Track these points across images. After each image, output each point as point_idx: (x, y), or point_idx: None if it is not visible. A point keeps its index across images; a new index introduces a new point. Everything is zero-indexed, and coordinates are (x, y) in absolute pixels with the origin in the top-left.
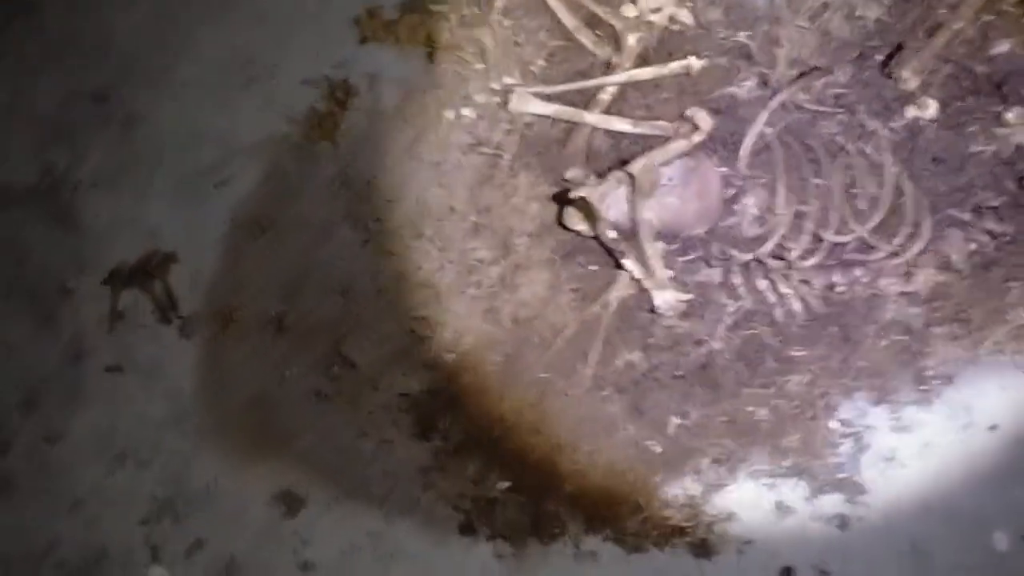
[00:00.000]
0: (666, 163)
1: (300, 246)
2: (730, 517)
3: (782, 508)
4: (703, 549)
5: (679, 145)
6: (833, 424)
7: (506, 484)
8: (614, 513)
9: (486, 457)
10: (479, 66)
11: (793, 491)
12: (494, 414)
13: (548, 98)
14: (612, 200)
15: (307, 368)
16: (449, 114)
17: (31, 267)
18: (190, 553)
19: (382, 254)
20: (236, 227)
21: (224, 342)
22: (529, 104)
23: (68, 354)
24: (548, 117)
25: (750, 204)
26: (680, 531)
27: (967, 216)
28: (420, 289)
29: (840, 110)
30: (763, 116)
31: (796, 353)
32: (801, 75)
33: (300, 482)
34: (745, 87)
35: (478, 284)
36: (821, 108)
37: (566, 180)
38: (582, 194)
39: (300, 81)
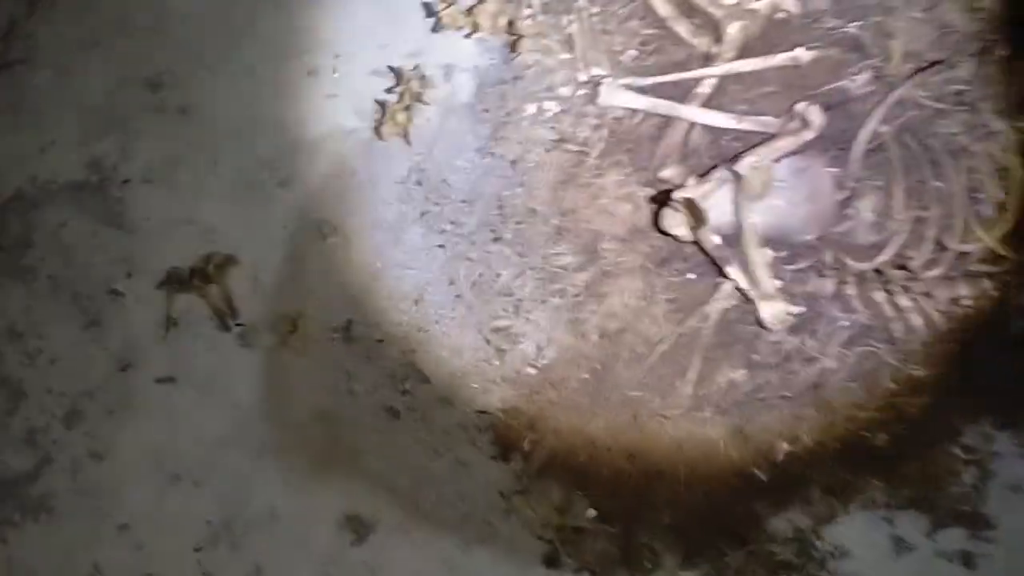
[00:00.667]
0: (775, 162)
1: (369, 250)
2: (843, 554)
3: (900, 544)
4: None
5: (787, 143)
6: (955, 450)
7: (594, 513)
8: (714, 547)
9: (573, 482)
10: (564, 56)
11: (912, 525)
12: (582, 435)
13: (640, 90)
14: (715, 201)
15: (377, 382)
16: (531, 108)
17: (76, 269)
18: None
19: (458, 259)
20: (300, 228)
21: (287, 352)
22: (619, 97)
23: (117, 363)
24: (640, 111)
25: (865, 208)
26: (787, 568)
27: None
28: (499, 298)
29: (962, 108)
30: (878, 113)
31: (916, 373)
32: (918, 70)
33: (369, 506)
34: (857, 81)
35: (562, 293)
36: (941, 106)
37: (661, 180)
38: (687, 195)
39: (369, 71)
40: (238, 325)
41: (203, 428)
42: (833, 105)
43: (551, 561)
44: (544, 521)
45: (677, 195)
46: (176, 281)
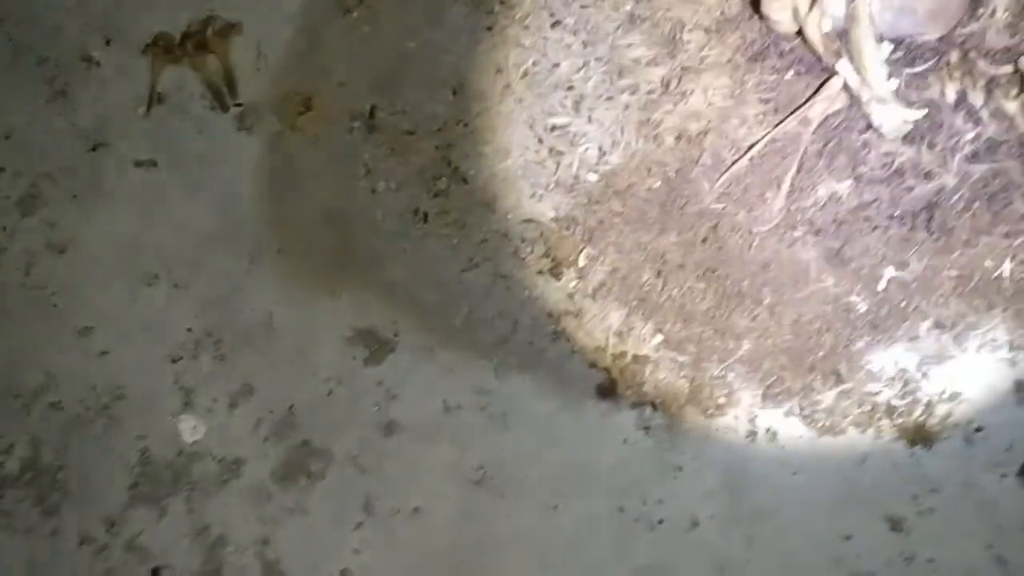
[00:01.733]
0: None
1: (403, 27)
2: (955, 397)
3: None
4: (919, 435)
5: None
6: None
7: (661, 338)
8: (803, 383)
9: (636, 304)
10: None
11: None
12: (649, 250)
13: None
14: None
15: (403, 179)
16: None
17: (43, 31)
18: (234, 402)
19: (509, 44)
20: None
21: (297, 139)
22: None
23: (86, 142)
24: None
25: (999, 6)
26: (889, 411)
27: None
28: (556, 91)
29: None
30: None
31: None
32: None
33: (388, 321)
34: None
35: (633, 89)
36: None
37: None
38: None
39: None
40: (237, 105)
41: (189, 222)
42: None
43: (606, 392)
44: (600, 346)
45: None
46: (165, 48)
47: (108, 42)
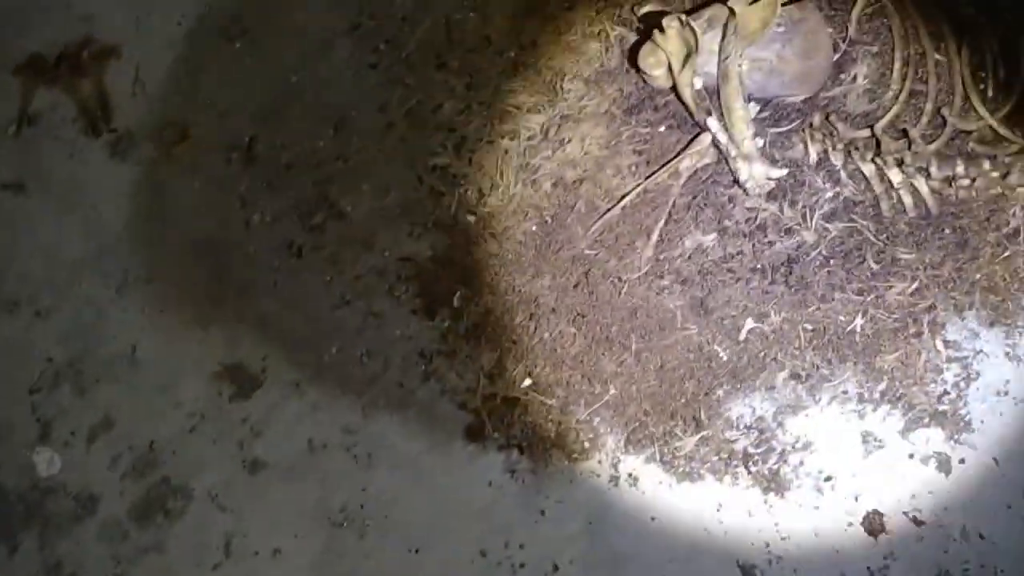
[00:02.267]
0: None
1: (287, 60)
2: (808, 446)
3: (871, 441)
4: (773, 483)
5: None
6: (939, 345)
7: (530, 381)
8: (664, 429)
9: (508, 346)
10: None
11: (885, 422)
12: (523, 294)
13: None
14: (702, 44)
15: (279, 213)
16: None
17: None
18: (93, 435)
19: (393, 83)
20: (201, 25)
21: (172, 168)
22: None
23: None
24: None
25: (859, 74)
26: (746, 458)
27: None
28: (438, 132)
29: None
30: None
31: (902, 255)
32: None
33: (256, 356)
34: None
35: (513, 134)
36: None
37: (639, 17)
38: (672, 28)
39: None
40: (111, 131)
41: (55, 248)
42: None
43: (474, 434)
44: (470, 388)
45: (667, 21)
46: (38, 69)
47: None
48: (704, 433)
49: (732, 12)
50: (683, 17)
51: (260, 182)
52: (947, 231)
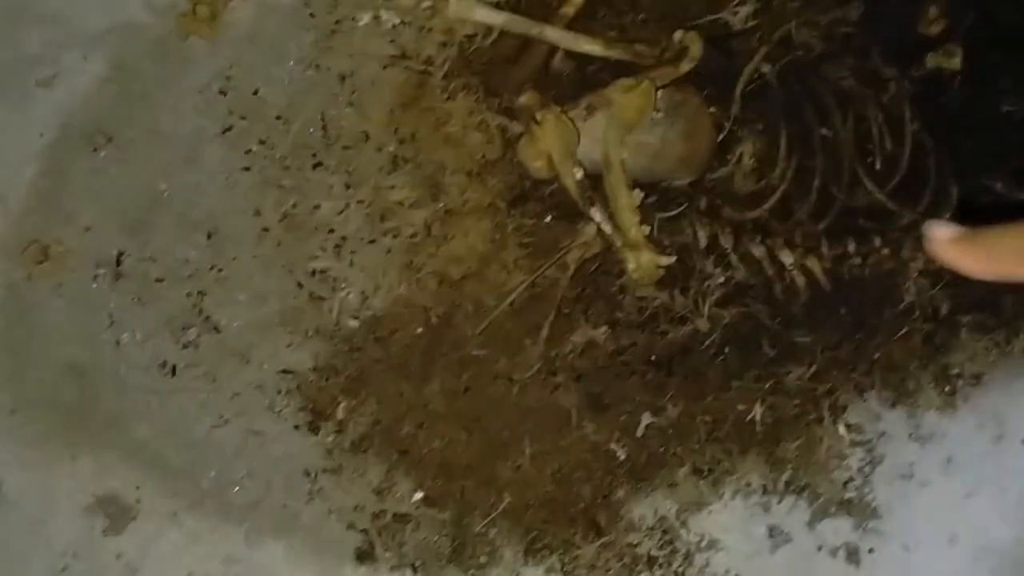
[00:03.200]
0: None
1: (155, 167)
2: (713, 545)
3: (778, 535)
4: None
5: (664, 72)
6: (841, 429)
7: (421, 495)
8: (563, 537)
9: (397, 458)
10: None
11: (791, 514)
12: (411, 401)
13: (497, 5)
14: (582, 133)
15: (151, 330)
16: (366, 17)
17: None
18: None
19: (267, 185)
20: (63, 137)
21: (34, 288)
22: (472, 11)
23: None
24: (495, 28)
25: (745, 153)
26: (649, 562)
27: (998, 185)
28: (317, 234)
29: (850, 52)
30: (762, 51)
31: (798, 339)
32: (804, 6)
33: (130, 486)
34: (740, 14)
35: (395, 232)
36: (828, 48)
37: (517, 108)
38: (549, 115)
39: None
40: None
41: None
42: (715, 40)
43: (364, 555)
44: (358, 506)
45: (541, 114)
46: None
47: None
48: (605, 538)
49: (610, 100)
50: (558, 109)
51: (129, 298)
52: (842, 311)
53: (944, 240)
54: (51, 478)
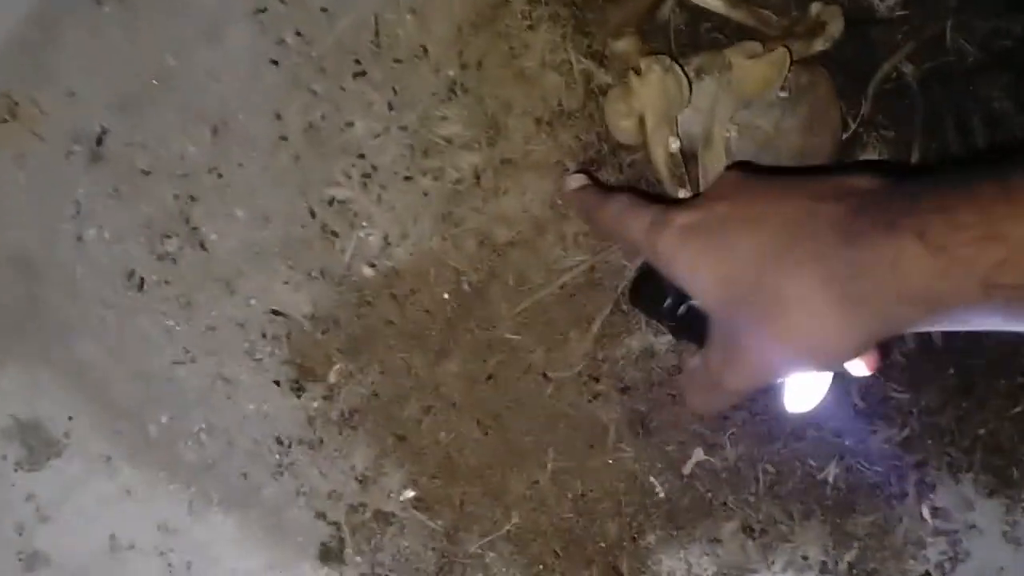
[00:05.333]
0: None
1: (165, 37)
2: None
3: None
4: None
5: (794, 47)
6: (925, 512)
7: (412, 494)
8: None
9: (392, 443)
10: None
11: None
12: (420, 377)
13: None
14: (692, 98)
15: (124, 229)
16: None
17: None
18: None
19: (296, 86)
20: None
21: None
22: None
23: None
24: None
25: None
26: None
27: None
28: (344, 157)
29: (1009, 69)
30: (906, 47)
31: (894, 394)
32: (963, 5)
33: (62, 413)
34: (888, 0)
35: (437, 174)
36: (984, 59)
37: (611, 55)
38: (656, 67)
39: None
40: None
41: None
42: (854, 20)
43: (329, 554)
44: (334, 492)
45: (646, 64)
46: None
47: None
48: None
49: (729, 64)
50: (669, 61)
51: (105, 187)
52: (951, 371)
53: (569, 188)
54: None
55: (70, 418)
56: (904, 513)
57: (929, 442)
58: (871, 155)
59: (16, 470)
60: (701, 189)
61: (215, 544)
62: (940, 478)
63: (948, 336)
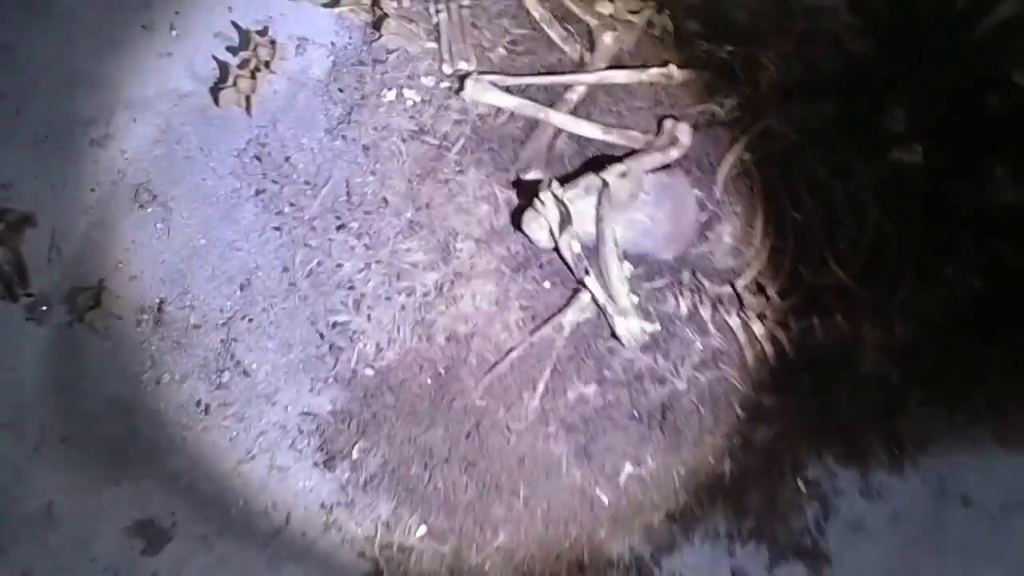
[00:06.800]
0: (642, 175)
1: (194, 224)
2: None
3: None
4: None
5: (654, 158)
6: (799, 483)
7: (425, 530)
8: (552, 572)
9: (404, 495)
10: (429, 45)
11: (752, 558)
12: (418, 444)
13: (508, 90)
14: (579, 208)
15: (187, 371)
16: (389, 94)
17: None
18: None
19: (295, 244)
20: (113, 193)
21: (85, 331)
22: (486, 94)
23: None
24: (506, 111)
25: (725, 232)
26: None
27: (950, 271)
28: (338, 290)
29: (822, 144)
30: (743, 142)
31: (766, 402)
32: (785, 99)
33: (166, 511)
34: (726, 106)
35: (410, 291)
36: (802, 140)
37: (523, 183)
38: (555, 190)
39: (213, 33)
40: (27, 295)
41: None
42: (700, 127)
43: None
44: (369, 536)
45: (544, 190)
46: None
47: None
48: (586, 575)
49: (605, 182)
50: (556, 191)
51: (169, 342)
52: (805, 378)
53: None
54: (96, 502)
55: (172, 513)
56: (784, 487)
57: (796, 433)
58: (727, 228)
59: (142, 555)
60: (609, 282)
61: None
62: (808, 458)
63: (800, 350)
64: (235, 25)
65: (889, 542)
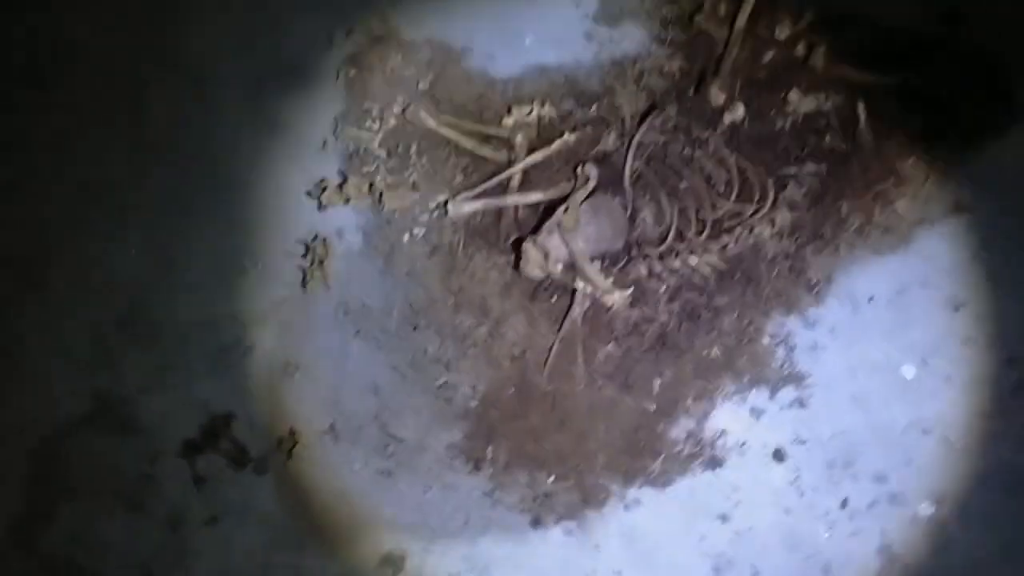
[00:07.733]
0: (579, 205)
1: (328, 368)
2: (723, 433)
3: (756, 411)
4: (714, 462)
5: (582, 192)
6: (765, 340)
7: (552, 478)
8: (641, 465)
9: (530, 464)
10: (415, 196)
11: (758, 397)
12: (523, 431)
13: (474, 198)
14: (551, 244)
15: (367, 457)
16: (406, 236)
17: (104, 469)
18: None
19: (393, 351)
20: (271, 376)
21: (294, 464)
22: (463, 207)
23: (167, 525)
24: (479, 211)
25: (646, 216)
26: (692, 456)
27: (793, 169)
28: (432, 365)
29: (679, 133)
30: (630, 156)
31: (720, 301)
32: (643, 120)
33: (395, 543)
34: (609, 141)
35: (474, 344)
36: (665, 137)
37: (510, 248)
38: (530, 243)
39: (282, 253)
40: (250, 461)
41: (250, 545)
42: (600, 160)
43: (536, 523)
44: (520, 498)
45: (526, 245)
46: (192, 448)
47: (153, 460)
48: (663, 455)
49: (560, 220)
50: (532, 241)
51: (349, 444)
52: (737, 276)
53: None
54: (351, 559)
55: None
56: (756, 346)
57: (749, 311)
58: (646, 213)
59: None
60: (590, 278)
61: (491, 550)
62: (763, 323)
63: (727, 261)
64: (297, 242)
65: (835, 347)
